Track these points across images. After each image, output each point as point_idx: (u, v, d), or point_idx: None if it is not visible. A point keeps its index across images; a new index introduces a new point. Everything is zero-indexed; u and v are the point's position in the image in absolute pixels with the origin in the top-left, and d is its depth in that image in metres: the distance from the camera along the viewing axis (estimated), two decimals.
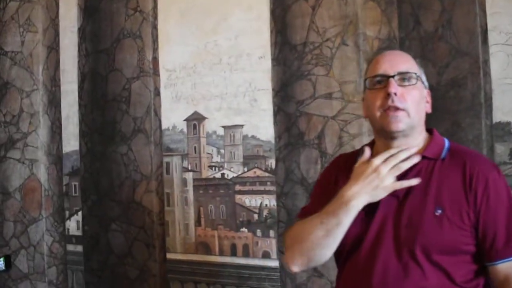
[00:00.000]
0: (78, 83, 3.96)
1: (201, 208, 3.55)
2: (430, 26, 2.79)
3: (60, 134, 4.16)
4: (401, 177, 1.37)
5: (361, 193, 1.35)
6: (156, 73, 3.71)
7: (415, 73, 1.43)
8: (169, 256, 3.70)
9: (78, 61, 3.98)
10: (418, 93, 1.43)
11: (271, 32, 3.24)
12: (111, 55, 3.81)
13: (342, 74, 2.96)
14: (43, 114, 4.14)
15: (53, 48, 4.22)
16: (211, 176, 3.55)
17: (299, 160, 3.00)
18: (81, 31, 3.99)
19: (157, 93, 3.70)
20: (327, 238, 1.37)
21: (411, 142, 1.41)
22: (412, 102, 1.40)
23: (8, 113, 4.22)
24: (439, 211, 1.34)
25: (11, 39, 4.26)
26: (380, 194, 1.36)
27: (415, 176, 1.37)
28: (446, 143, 1.49)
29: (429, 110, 1.48)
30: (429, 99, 1.50)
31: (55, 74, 4.20)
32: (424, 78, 1.49)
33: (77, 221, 4.11)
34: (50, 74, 4.19)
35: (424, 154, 1.41)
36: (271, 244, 3.26)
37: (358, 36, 2.95)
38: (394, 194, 1.37)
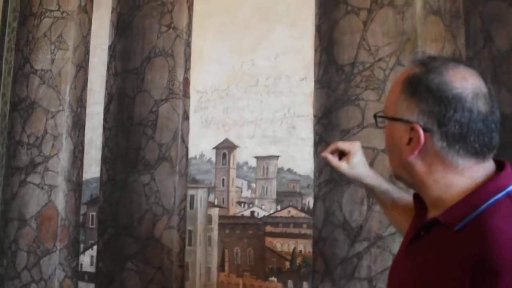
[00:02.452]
0: (105, 104, 3.85)
1: (226, 251, 3.27)
2: (504, 44, 2.40)
3: (81, 159, 4.01)
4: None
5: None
6: (186, 95, 3.52)
7: (385, 113, 1.30)
8: None
9: (106, 81, 3.87)
10: (389, 134, 1.29)
11: (315, 50, 3.04)
12: (140, 75, 3.68)
13: None
14: (66, 136, 4.06)
15: (82, 66, 4.13)
16: (239, 214, 3.27)
17: (341, 200, 2.78)
18: (112, 49, 3.89)
19: (186, 117, 3.50)
20: None
21: (429, 193, 1.25)
22: (386, 146, 1.32)
23: (32, 134, 4.18)
24: None
25: (42, 57, 4.27)
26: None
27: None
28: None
29: (410, 154, 1.23)
30: (416, 136, 1.21)
31: (82, 94, 4.10)
32: (409, 112, 1.22)
33: (92, 256, 3.86)
34: (77, 94, 4.11)
35: (437, 217, 1.20)
36: None
37: (416, 55, 2.68)
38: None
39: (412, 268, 1.23)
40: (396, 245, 2.55)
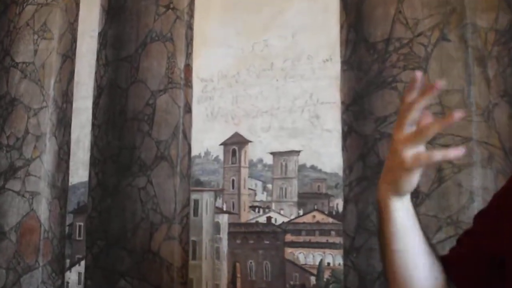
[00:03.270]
0: (94, 98, 3.57)
1: (238, 264, 3.10)
2: None
3: (67, 161, 3.76)
4: None
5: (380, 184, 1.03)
6: (188, 84, 3.29)
7: None
8: None
9: (96, 72, 3.59)
10: None
11: (341, 27, 2.82)
12: (134, 63, 3.41)
13: (442, 81, 2.36)
14: (50, 136, 3.78)
15: (68, 56, 3.88)
16: (253, 221, 3.11)
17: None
18: (102, 36, 3.60)
19: (188, 109, 3.28)
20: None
21: None
22: None
23: (12, 135, 3.87)
24: None
25: (23, 48, 3.98)
26: (401, 177, 0.96)
27: None
28: None
29: None
30: None
31: (68, 87, 3.84)
32: None
33: (79, 273, 3.67)
34: (63, 88, 3.84)
35: None
36: None
37: (464, 28, 2.50)
38: None
39: None
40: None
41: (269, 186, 3.08)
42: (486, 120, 2.39)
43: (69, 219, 3.78)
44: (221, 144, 3.23)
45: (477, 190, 2.32)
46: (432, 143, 2.44)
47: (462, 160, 2.34)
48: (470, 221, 2.32)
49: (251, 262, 3.06)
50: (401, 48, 2.56)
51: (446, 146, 2.40)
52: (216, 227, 3.23)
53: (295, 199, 2.96)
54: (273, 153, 3.02)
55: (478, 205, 2.28)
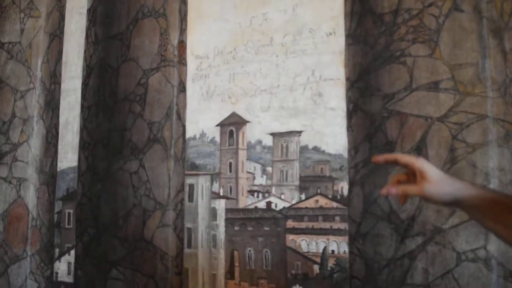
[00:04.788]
0: (83, 78, 3.49)
1: (236, 253, 3.03)
2: None
3: (56, 145, 3.68)
4: None
5: None
6: (182, 61, 3.19)
7: None
8: None
9: (85, 51, 3.50)
10: None
11: None
12: (125, 41, 3.31)
13: (454, 54, 2.39)
14: (37, 119, 3.73)
15: (56, 35, 3.80)
16: (252, 206, 3.05)
17: (385, 184, 2.29)
18: (91, 12, 3.50)
19: (182, 88, 3.18)
20: None
21: None
22: None
23: None
24: None
25: (9, 28, 3.91)
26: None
27: None
28: None
29: None
30: None
31: (56, 68, 3.76)
32: None
33: (69, 263, 3.63)
34: (50, 68, 3.76)
35: None
36: None
37: None
38: None
39: None
40: (460, 239, 2.22)
41: (269, 169, 3.01)
42: (502, 95, 2.29)
43: (58, 206, 3.71)
44: (217, 125, 3.15)
45: (493, 171, 2.22)
46: (443, 121, 2.33)
47: (476, 139, 2.24)
48: None
49: (250, 250, 2.99)
50: (410, 20, 2.43)
51: (459, 123, 2.31)
52: (213, 213, 3.16)
53: (297, 182, 2.88)
54: (273, 134, 2.94)
55: (494, 186, 2.18)
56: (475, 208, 1.28)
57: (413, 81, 2.41)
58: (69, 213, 3.66)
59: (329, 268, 2.67)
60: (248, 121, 2.96)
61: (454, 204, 1.27)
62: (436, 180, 1.29)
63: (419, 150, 2.34)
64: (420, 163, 1.31)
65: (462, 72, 2.33)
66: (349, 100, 2.65)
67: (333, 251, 2.69)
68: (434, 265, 2.28)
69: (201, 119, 3.14)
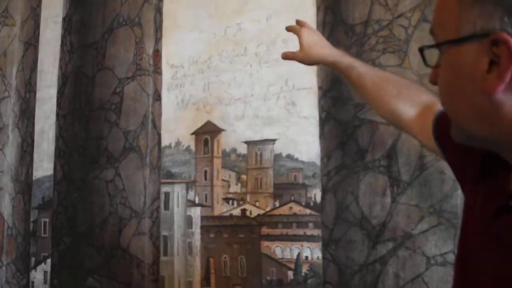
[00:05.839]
0: (58, 87, 3.47)
1: (212, 260, 3.02)
2: None
3: (31, 154, 3.68)
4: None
5: None
6: (157, 70, 3.22)
7: (439, 40, 0.94)
8: None
9: (60, 59, 3.49)
10: (451, 69, 0.90)
11: (318, 8, 2.74)
12: (101, 50, 3.32)
13: (423, 64, 2.26)
14: (12, 128, 3.74)
15: (31, 44, 3.81)
16: (227, 214, 3.02)
17: (357, 191, 2.47)
18: (66, 21, 3.49)
19: (157, 97, 3.21)
20: None
21: None
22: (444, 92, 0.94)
23: None
24: None
25: None
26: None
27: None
28: None
29: (498, 84, 0.83)
30: (505, 50, 0.81)
31: (31, 76, 3.75)
32: (482, 20, 0.84)
33: (45, 272, 3.56)
34: (25, 76, 3.75)
35: None
36: None
37: None
38: None
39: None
40: (430, 244, 2.26)
41: (244, 177, 3.02)
42: None
43: (33, 215, 3.68)
44: (192, 134, 3.15)
45: None
46: None
47: None
48: (453, 209, 2.27)
49: (225, 257, 3.00)
50: (380, 31, 2.46)
51: None
52: (188, 221, 3.17)
53: (271, 190, 2.90)
54: (247, 142, 2.95)
55: (461, 193, 2.21)
56: (345, 74, 1.55)
57: None
58: (45, 222, 3.60)
59: (303, 274, 2.70)
60: (223, 130, 2.97)
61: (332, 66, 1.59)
62: (308, 45, 1.64)
63: (390, 157, 2.37)
64: (300, 31, 1.68)
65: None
66: (321, 109, 2.67)
67: (306, 257, 2.71)
68: (405, 269, 2.31)
69: (177, 128, 3.14)
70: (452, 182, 2.26)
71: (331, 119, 2.58)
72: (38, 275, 3.60)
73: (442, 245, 2.21)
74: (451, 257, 2.18)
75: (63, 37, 3.49)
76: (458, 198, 2.20)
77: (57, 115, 3.46)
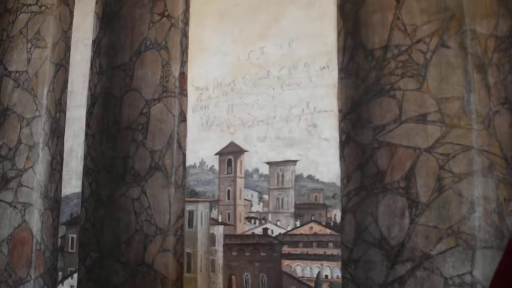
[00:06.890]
0: (87, 107, 3.55)
1: (233, 277, 2.98)
2: None
3: (60, 171, 3.75)
4: None
5: None
6: (183, 92, 3.28)
7: None
8: None
9: (89, 81, 3.56)
10: None
11: (339, 34, 2.79)
12: (129, 72, 3.38)
13: (441, 88, 2.44)
14: (43, 146, 3.76)
15: (62, 65, 3.90)
16: (249, 232, 3.07)
17: (376, 212, 2.46)
18: (96, 44, 3.57)
19: (183, 118, 3.26)
20: None
21: None
22: None
23: (5, 145, 3.85)
24: None
25: (16, 57, 3.97)
26: None
27: None
28: None
29: None
30: None
31: (61, 97, 3.85)
32: None
33: (71, 286, 3.59)
34: (56, 97, 3.84)
35: None
36: None
37: (464, 35, 2.45)
38: None
39: None
40: (447, 265, 2.25)
41: (265, 196, 3.02)
42: (486, 128, 2.32)
43: (61, 231, 3.69)
44: (216, 154, 3.17)
45: (478, 199, 2.24)
46: (431, 152, 2.39)
47: (462, 169, 2.29)
48: (471, 231, 2.28)
49: (247, 275, 2.97)
50: (399, 55, 2.49)
51: (446, 154, 2.38)
52: (211, 238, 3.15)
53: (292, 210, 2.90)
54: (269, 163, 2.97)
55: (479, 215, 2.22)
56: None
57: (402, 114, 2.45)
58: (72, 238, 3.66)
59: None
60: (245, 150, 3.00)
61: None
62: None
63: (408, 179, 2.37)
64: None
65: (448, 105, 2.38)
66: (341, 131, 2.68)
67: (326, 276, 2.70)
68: None
69: (201, 148, 3.18)
70: (469, 204, 2.27)
71: (350, 141, 2.59)
72: None
73: (459, 266, 2.20)
74: (469, 278, 2.18)
75: (93, 59, 3.56)
76: (476, 220, 2.21)
77: (86, 134, 3.50)
